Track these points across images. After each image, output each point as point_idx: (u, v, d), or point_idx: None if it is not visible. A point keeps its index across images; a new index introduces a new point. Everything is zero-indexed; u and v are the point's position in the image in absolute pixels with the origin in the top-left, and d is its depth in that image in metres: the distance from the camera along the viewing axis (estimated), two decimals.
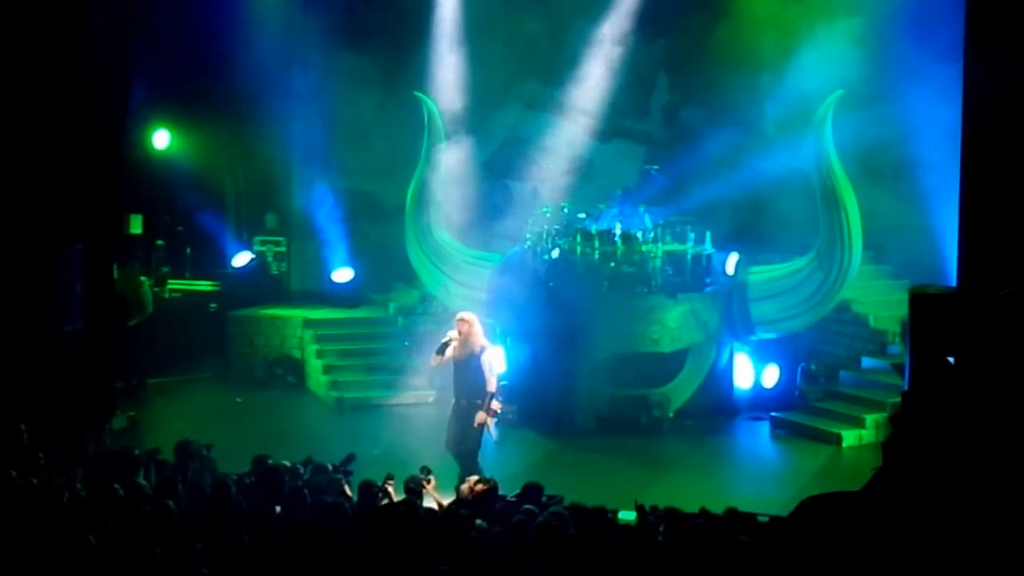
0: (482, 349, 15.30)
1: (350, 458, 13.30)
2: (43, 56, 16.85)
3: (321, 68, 22.05)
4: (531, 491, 12.32)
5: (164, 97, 22.15)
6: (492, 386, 15.22)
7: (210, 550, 10.23)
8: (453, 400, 15.63)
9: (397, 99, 21.63)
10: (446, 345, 15.35)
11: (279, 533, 10.76)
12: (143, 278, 20.82)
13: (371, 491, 12.08)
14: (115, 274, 19.53)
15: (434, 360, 15.67)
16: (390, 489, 12.68)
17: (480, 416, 15.11)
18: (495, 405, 15.34)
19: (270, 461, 13.17)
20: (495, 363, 15.72)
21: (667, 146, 22.38)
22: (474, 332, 15.33)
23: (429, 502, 12.80)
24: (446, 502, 12.83)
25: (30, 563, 10.05)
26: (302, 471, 12.94)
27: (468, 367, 15.26)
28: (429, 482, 13.01)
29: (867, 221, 18.77)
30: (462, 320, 15.41)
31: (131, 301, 20.01)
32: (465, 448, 15.27)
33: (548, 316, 18.69)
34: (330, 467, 13.11)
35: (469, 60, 21.75)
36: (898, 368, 17.82)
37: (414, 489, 12.71)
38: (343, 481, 12.81)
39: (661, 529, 11.01)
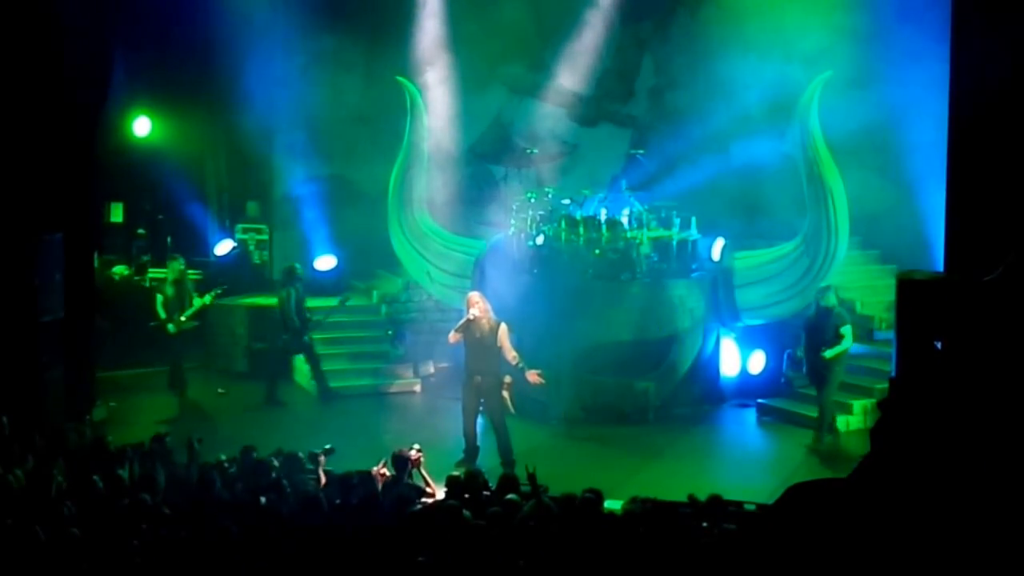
0: (498, 324, 15.95)
1: (329, 451, 13.33)
2: (20, 42, 16.71)
3: (303, 53, 21.91)
4: (507, 484, 12.25)
5: (145, 84, 22.06)
6: (513, 358, 15.85)
7: (195, 540, 10.16)
8: (465, 380, 16.14)
9: (380, 84, 21.51)
10: (469, 323, 15.87)
11: (264, 524, 10.69)
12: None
13: (350, 483, 11.99)
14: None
15: (452, 337, 16.21)
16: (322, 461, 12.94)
17: (532, 375, 15.94)
18: (507, 379, 15.98)
19: (255, 454, 13.16)
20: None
21: (653, 130, 22.26)
22: (488, 308, 16.04)
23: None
24: (436, 486, 12.81)
25: (14, 555, 9.97)
26: (276, 463, 12.88)
27: (483, 344, 15.89)
28: (418, 460, 12.96)
29: (854, 206, 18.66)
30: (478, 297, 16.15)
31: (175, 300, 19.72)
32: (496, 421, 16.03)
33: (532, 303, 18.56)
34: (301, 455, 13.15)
35: (453, 44, 21.65)
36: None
37: (400, 463, 12.68)
38: (317, 469, 12.84)
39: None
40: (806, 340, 17.27)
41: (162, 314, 19.52)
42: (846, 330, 17.02)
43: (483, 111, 22.85)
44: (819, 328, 17.06)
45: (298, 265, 20.14)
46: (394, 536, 10.37)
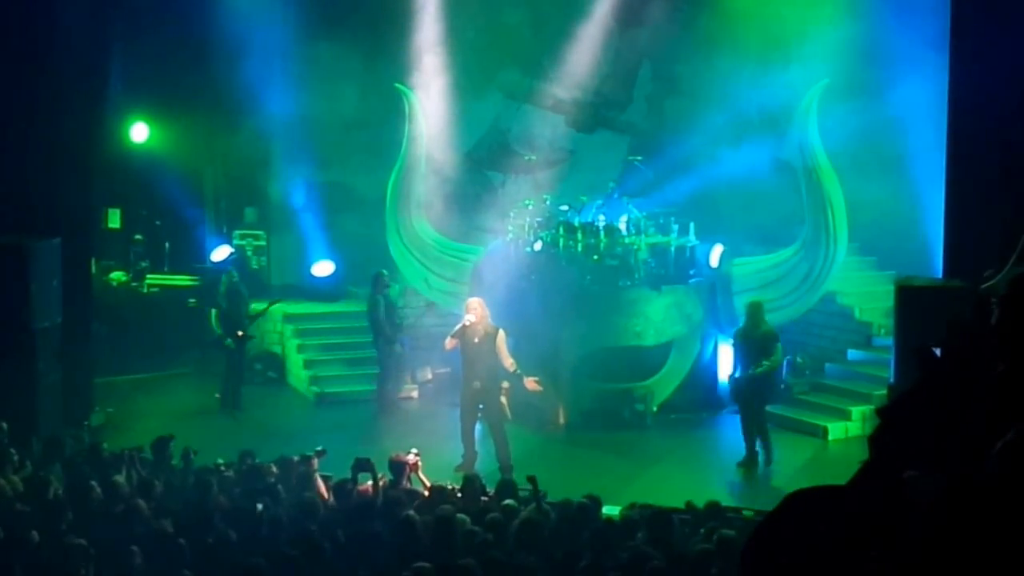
0: (496, 330, 15.95)
1: (320, 453, 13.31)
2: (18, 48, 16.69)
3: (301, 60, 21.88)
4: (505, 489, 12.24)
5: (143, 90, 22.01)
6: (510, 365, 15.85)
7: (194, 547, 10.14)
8: (463, 385, 16.21)
9: (377, 91, 21.47)
10: (464, 328, 15.88)
11: (260, 529, 10.67)
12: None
13: (346, 488, 11.96)
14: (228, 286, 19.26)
15: (449, 342, 16.23)
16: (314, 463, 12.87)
17: (530, 382, 16.03)
18: (505, 385, 15.97)
19: (248, 461, 13.14)
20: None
21: (651, 137, 22.22)
22: (487, 314, 16.02)
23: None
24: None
25: (11, 561, 9.95)
26: (274, 470, 12.87)
27: (482, 350, 15.88)
28: (416, 464, 12.94)
29: (852, 212, 18.66)
30: (476, 303, 16.13)
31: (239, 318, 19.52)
32: (495, 427, 16.05)
33: (530, 310, 18.52)
34: (296, 458, 13.13)
35: (450, 51, 21.60)
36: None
37: (397, 468, 12.66)
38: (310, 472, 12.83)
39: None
40: (738, 357, 16.95)
41: (217, 329, 19.40)
42: (777, 348, 16.71)
43: (480, 117, 22.78)
44: (750, 345, 16.76)
45: (385, 272, 19.89)
46: (389, 541, 10.35)
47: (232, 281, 19.70)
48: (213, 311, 19.57)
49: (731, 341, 19.12)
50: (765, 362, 16.58)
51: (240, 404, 19.35)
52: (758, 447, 16.77)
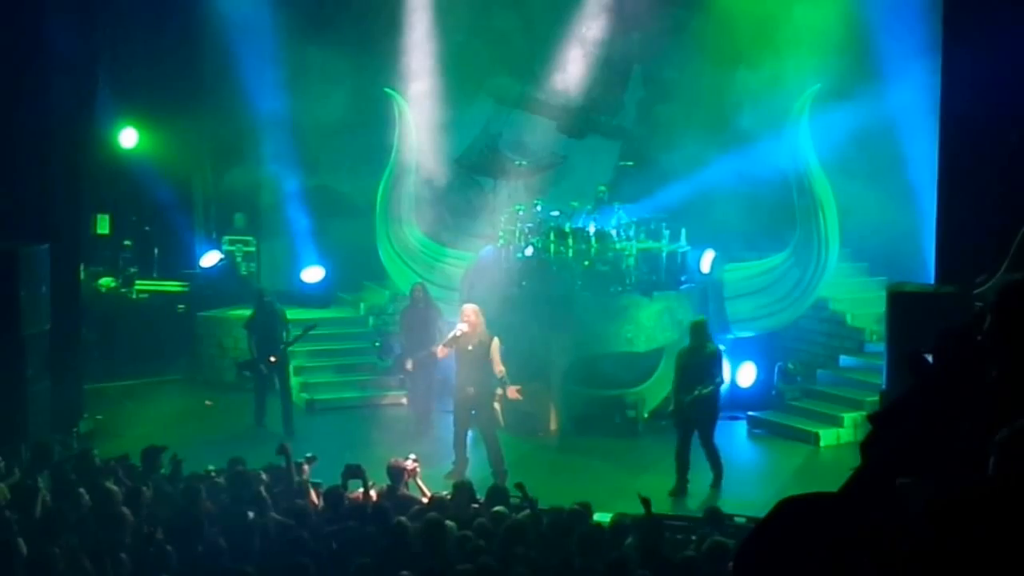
0: (491, 338, 15.95)
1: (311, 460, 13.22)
2: (5, 55, 16.67)
3: (290, 64, 21.81)
4: (495, 496, 12.22)
5: (131, 96, 21.98)
6: (499, 372, 15.82)
7: (183, 554, 10.11)
8: (456, 392, 16.20)
9: (368, 95, 21.42)
10: (457, 337, 15.89)
11: (250, 537, 10.63)
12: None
13: (337, 494, 11.92)
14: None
15: (440, 351, 16.42)
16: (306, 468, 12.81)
17: (512, 391, 15.94)
18: (499, 391, 15.96)
19: (238, 468, 13.08)
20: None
21: (642, 142, 22.18)
22: (481, 322, 16.00)
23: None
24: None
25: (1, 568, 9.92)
26: (264, 477, 12.80)
27: (476, 356, 15.88)
28: (414, 470, 12.91)
29: (844, 217, 18.63)
30: (471, 311, 16.07)
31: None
32: (487, 434, 16.02)
33: (521, 315, 18.47)
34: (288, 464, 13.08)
35: (440, 56, 21.56)
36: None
37: (396, 474, 12.63)
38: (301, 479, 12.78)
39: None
40: (683, 378, 16.15)
41: (254, 352, 19.03)
42: (721, 368, 16.30)
43: (471, 122, 22.69)
44: (696, 366, 16.09)
45: (423, 284, 19.79)
46: (380, 548, 10.31)
47: (263, 300, 19.37)
48: (246, 333, 19.24)
49: (722, 347, 19.03)
50: (712, 383, 15.98)
51: (292, 429, 18.38)
52: (709, 468, 16.09)
